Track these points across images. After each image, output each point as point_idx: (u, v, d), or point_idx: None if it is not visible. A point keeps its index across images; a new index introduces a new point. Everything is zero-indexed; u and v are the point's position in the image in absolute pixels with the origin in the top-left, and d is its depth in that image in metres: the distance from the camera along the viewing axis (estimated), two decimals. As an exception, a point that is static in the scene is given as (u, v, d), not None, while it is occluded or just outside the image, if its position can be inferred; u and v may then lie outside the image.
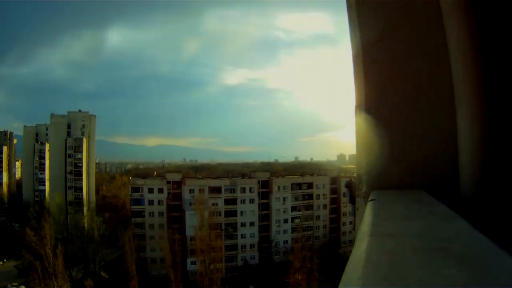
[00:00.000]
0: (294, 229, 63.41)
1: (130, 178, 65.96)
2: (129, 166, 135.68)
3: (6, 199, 79.93)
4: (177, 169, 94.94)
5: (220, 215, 60.14)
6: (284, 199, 63.95)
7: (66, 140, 73.67)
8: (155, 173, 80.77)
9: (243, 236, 61.00)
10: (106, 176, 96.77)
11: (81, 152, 73.72)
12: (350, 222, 63.50)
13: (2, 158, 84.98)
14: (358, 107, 1.92)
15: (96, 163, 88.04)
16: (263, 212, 62.76)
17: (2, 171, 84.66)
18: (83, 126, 76.26)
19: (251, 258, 60.38)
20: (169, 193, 60.75)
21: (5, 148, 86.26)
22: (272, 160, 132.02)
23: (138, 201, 59.95)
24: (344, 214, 65.02)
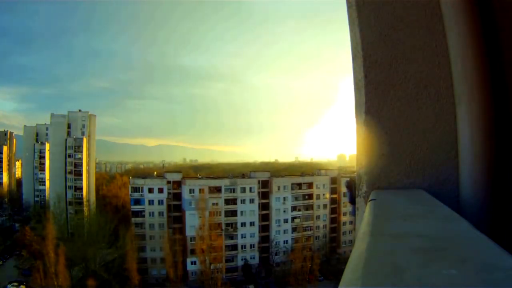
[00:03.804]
0: (294, 229, 63.44)
1: (130, 178, 65.94)
2: (129, 166, 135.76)
3: (6, 199, 79.98)
4: (177, 169, 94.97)
5: (220, 215, 60.16)
6: (284, 199, 63.96)
7: (66, 140, 73.69)
8: (155, 173, 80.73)
9: (243, 236, 61.02)
10: (106, 176, 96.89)
11: (81, 152, 73.75)
12: (350, 222, 63.62)
13: (2, 158, 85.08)
14: (358, 107, 1.93)
15: (96, 163, 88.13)
16: (263, 212, 62.77)
17: (2, 171, 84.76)
18: (83, 126, 76.30)
19: (251, 258, 60.39)
20: (169, 193, 60.76)
21: (5, 148, 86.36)
22: (272, 160, 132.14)
23: (138, 201, 59.96)
24: (344, 214, 65.03)
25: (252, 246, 61.18)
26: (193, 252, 57.55)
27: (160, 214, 59.91)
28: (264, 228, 62.59)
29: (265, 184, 63.75)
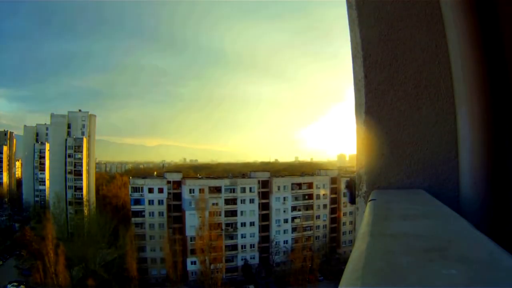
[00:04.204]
0: (294, 229, 63.48)
1: (130, 178, 65.99)
2: (129, 166, 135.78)
3: (6, 199, 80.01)
4: (177, 169, 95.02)
5: (220, 215, 60.19)
6: (284, 199, 63.99)
7: (66, 140, 73.73)
8: (155, 173, 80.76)
9: (243, 236, 61.05)
10: (106, 176, 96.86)
11: (81, 152, 73.78)
12: (350, 222, 63.64)
13: (2, 158, 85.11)
14: (358, 107, 1.93)
15: (96, 163, 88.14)
16: (263, 212, 62.80)
17: (2, 171, 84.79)
18: (83, 126, 76.32)
19: (251, 258, 60.42)
20: (169, 193, 60.78)
21: (5, 148, 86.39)
22: (272, 160, 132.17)
23: (138, 201, 60.00)
24: (344, 214, 65.08)
25: (252, 246, 61.21)
26: (193, 252, 57.58)
27: (160, 214, 59.94)
28: (264, 228, 62.61)
29: (265, 184, 63.77)
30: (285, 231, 63.33)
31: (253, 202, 62.14)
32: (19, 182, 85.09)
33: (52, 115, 76.20)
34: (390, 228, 1.09)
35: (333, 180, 67.03)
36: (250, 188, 62.46)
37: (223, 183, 62.07)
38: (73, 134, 75.15)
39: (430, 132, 1.83)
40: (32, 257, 54.66)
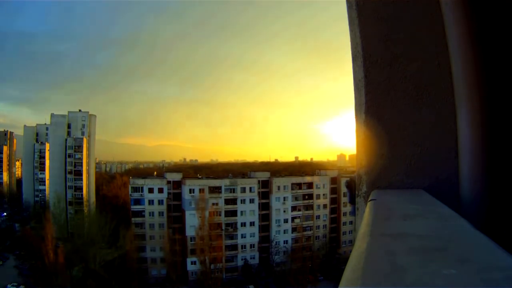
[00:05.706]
0: (294, 229, 63.44)
1: (130, 178, 65.92)
2: (129, 166, 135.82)
3: (6, 199, 80.00)
4: (177, 169, 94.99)
5: (220, 215, 60.16)
6: (284, 199, 63.95)
7: (66, 140, 73.70)
8: (155, 173, 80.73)
9: (243, 236, 61.02)
10: (106, 176, 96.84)
11: (81, 152, 73.76)
12: (350, 222, 63.60)
13: (2, 158, 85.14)
14: (358, 107, 1.93)
15: (96, 163, 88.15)
16: (263, 212, 62.77)
17: (2, 171, 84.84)
18: (83, 126, 76.31)
19: (251, 258, 60.38)
20: (169, 193, 60.76)
21: (5, 148, 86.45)
22: (272, 160, 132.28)
23: (138, 201, 59.95)
24: (344, 214, 65.03)
25: (252, 246, 61.17)
26: (193, 252, 57.53)
27: (160, 214, 59.90)
28: (264, 228, 62.58)
29: (265, 184, 63.74)
30: (285, 231, 63.29)
31: (253, 202, 62.10)
32: (19, 182, 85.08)
33: (52, 115, 76.19)
34: (390, 228, 1.09)
35: (333, 180, 66.99)
36: (250, 188, 62.42)
37: (223, 183, 62.02)
38: (73, 134, 75.12)
39: (430, 132, 1.84)
40: (32, 257, 54.61)
